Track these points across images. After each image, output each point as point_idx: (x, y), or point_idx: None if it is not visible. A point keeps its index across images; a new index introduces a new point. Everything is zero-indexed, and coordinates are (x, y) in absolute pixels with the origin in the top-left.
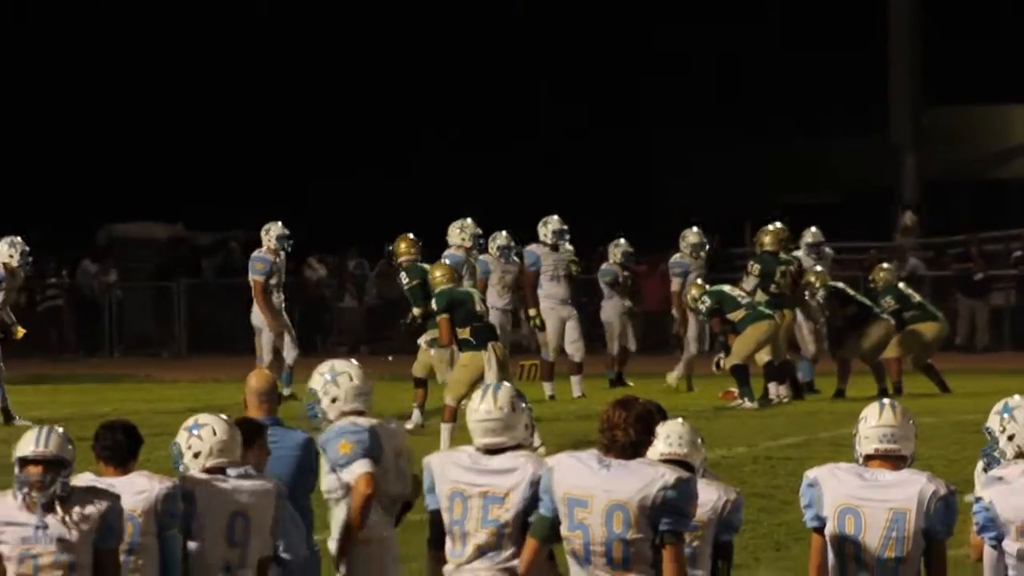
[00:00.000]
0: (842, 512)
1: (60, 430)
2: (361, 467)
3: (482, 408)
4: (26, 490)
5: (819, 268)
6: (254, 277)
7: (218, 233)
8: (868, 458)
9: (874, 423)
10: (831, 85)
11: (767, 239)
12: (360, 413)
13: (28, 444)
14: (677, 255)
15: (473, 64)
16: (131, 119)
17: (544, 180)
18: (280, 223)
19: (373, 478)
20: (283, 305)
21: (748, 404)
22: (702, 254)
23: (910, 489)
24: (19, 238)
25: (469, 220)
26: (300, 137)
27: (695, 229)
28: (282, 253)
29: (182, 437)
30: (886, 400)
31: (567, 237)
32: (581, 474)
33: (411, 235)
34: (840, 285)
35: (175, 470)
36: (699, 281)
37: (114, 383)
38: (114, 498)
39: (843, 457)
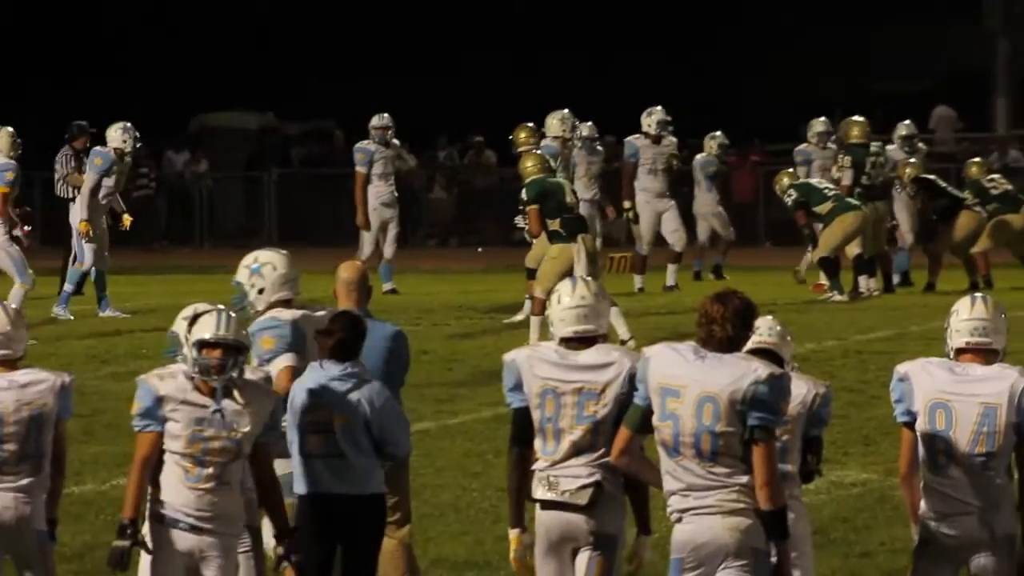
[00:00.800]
0: (933, 407)
1: (234, 315)
2: (283, 361)
3: (574, 296)
4: (203, 373)
5: (912, 160)
6: (356, 168)
7: (308, 123)
8: (959, 352)
9: (965, 316)
10: None
11: (855, 131)
12: (287, 302)
13: (208, 327)
14: (803, 145)
15: None
16: (219, 7)
17: (632, 73)
18: (385, 115)
19: (293, 371)
20: (392, 197)
21: (838, 297)
22: (829, 144)
23: (1001, 384)
24: (130, 124)
25: (566, 111)
26: (388, 27)
27: (822, 119)
28: (384, 144)
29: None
30: (978, 293)
31: (670, 129)
32: (676, 364)
33: (531, 124)
34: (931, 177)
35: (170, 358)
36: (790, 170)
37: (205, 274)
38: (276, 396)
39: (934, 351)
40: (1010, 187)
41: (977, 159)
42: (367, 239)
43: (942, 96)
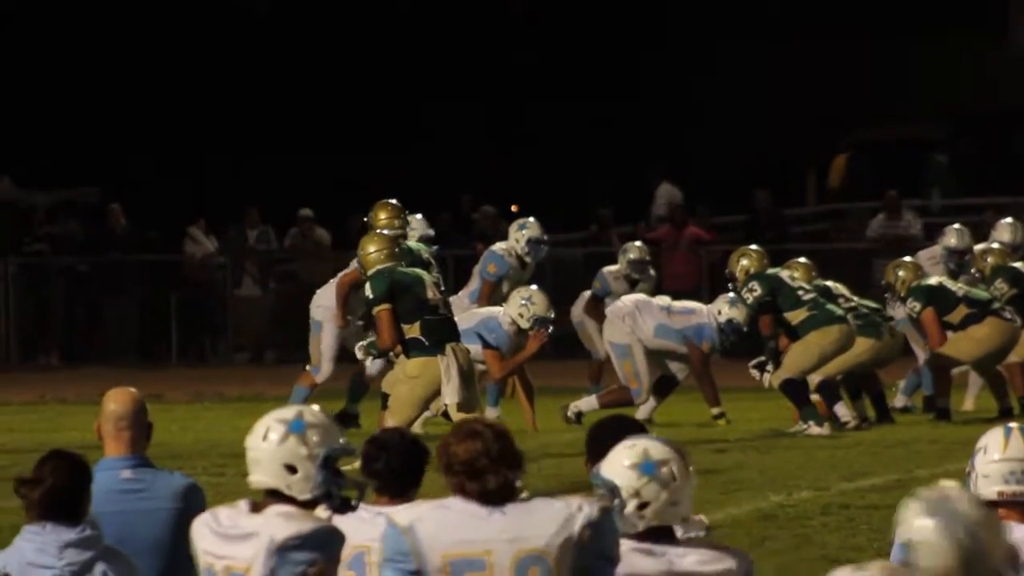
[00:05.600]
0: None
1: None
2: None
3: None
4: None
5: (907, 259)
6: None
7: (61, 191)
8: (990, 505)
9: (997, 456)
10: None
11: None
12: None
13: None
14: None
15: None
16: None
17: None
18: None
19: None
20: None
21: (816, 430)
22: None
23: None
24: None
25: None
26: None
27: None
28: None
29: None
30: (1012, 424)
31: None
32: (464, 524)
33: (393, 201)
34: (933, 282)
35: None
36: (752, 249)
37: None
38: None
39: None
40: None
41: (995, 244)
42: (328, 354)
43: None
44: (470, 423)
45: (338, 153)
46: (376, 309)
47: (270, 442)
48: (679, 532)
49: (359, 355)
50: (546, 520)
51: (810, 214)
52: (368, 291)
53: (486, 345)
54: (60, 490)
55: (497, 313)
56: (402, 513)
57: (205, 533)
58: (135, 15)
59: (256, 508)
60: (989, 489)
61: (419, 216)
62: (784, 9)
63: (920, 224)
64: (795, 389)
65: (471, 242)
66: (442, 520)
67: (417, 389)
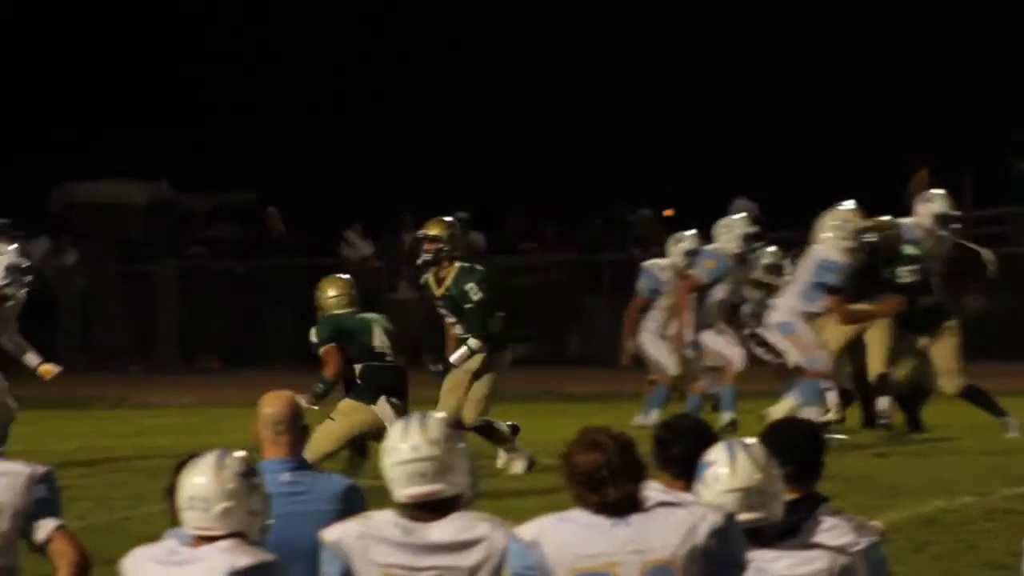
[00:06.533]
0: None
1: None
2: None
3: (405, 445)
4: None
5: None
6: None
7: (220, 195)
8: None
9: None
10: None
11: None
12: None
13: None
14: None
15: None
16: (90, 38)
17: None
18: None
19: None
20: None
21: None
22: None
23: None
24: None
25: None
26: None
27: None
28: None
29: None
30: None
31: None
32: (590, 536)
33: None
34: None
35: None
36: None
37: (77, 409)
38: None
39: None
40: None
41: None
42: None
43: None
44: (594, 433)
45: (492, 156)
46: (322, 349)
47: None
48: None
49: (303, 402)
50: (670, 529)
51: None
52: (313, 336)
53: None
54: None
55: None
56: (527, 528)
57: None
58: (298, 21)
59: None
60: None
61: None
62: None
63: None
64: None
65: (625, 246)
66: (566, 534)
67: (342, 426)
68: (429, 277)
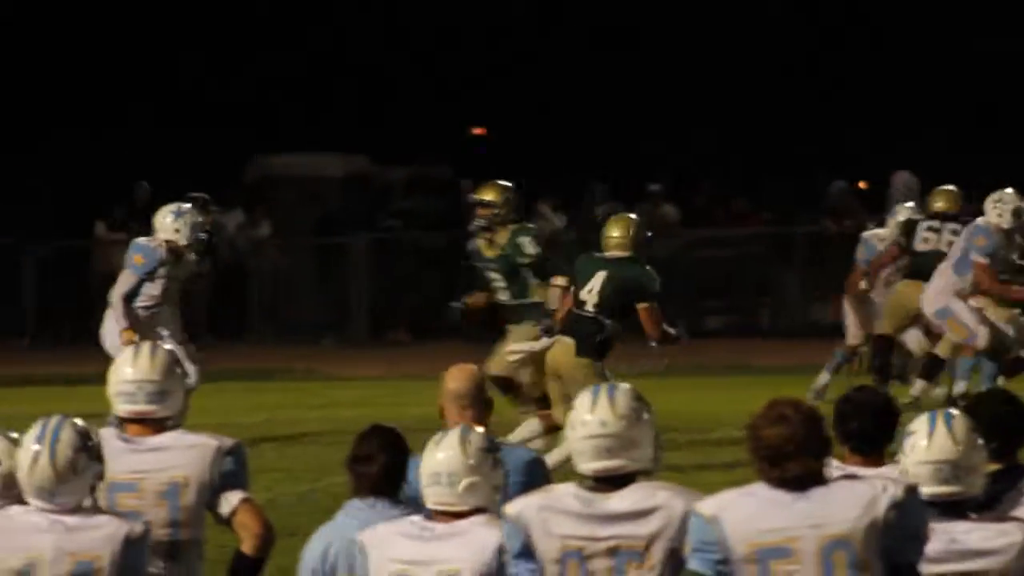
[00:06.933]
0: None
1: None
2: None
3: (592, 417)
4: None
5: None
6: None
7: (415, 167)
8: None
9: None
10: None
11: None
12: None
13: None
14: None
15: None
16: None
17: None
18: None
19: None
20: None
21: None
22: None
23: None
24: (188, 205)
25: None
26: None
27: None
28: None
29: None
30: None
31: None
32: (770, 511)
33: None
34: None
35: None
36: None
37: (262, 380)
38: None
39: None
40: None
41: None
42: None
43: None
44: (781, 406)
45: (683, 129)
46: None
47: None
48: None
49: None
50: (849, 503)
51: None
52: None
53: None
54: (392, 466)
55: None
56: (708, 503)
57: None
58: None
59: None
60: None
61: None
62: None
63: None
64: None
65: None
66: (747, 508)
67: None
68: (480, 242)
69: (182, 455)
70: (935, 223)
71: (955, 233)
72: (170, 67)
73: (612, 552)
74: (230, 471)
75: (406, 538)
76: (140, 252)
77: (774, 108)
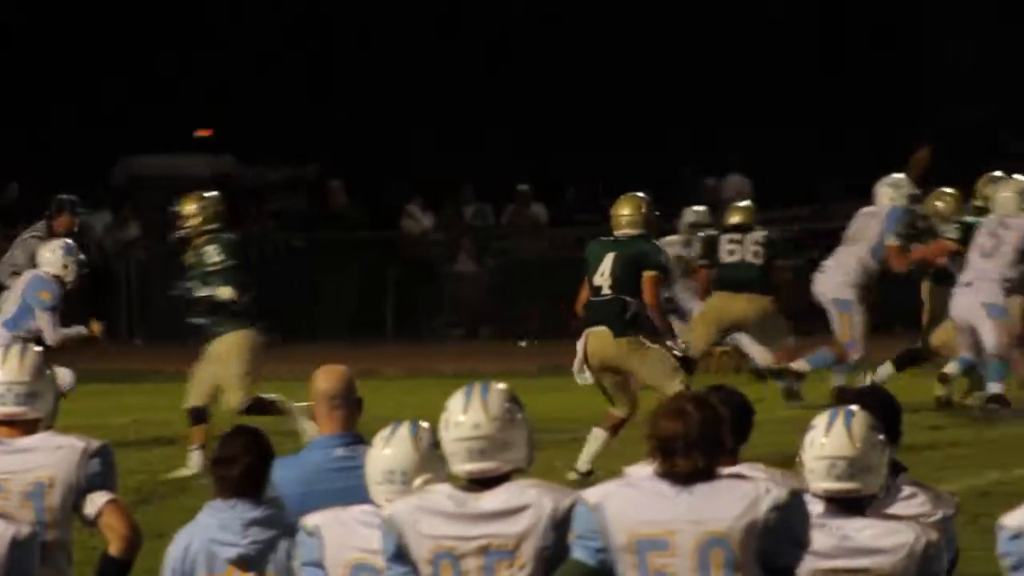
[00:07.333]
0: None
1: None
2: None
3: (466, 421)
4: None
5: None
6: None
7: (285, 168)
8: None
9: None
10: None
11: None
12: None
13: None
14: None
15: None
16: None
17: None
18: None
19: None
20: None
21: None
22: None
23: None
24: (72, 243)
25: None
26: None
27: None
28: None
29: None
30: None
31: None
32: (652, 503)
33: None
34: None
35: None
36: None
37: (135, 383)
38: None
39: None
40: None
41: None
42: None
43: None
44: (684, 401)
45: (557, 130)
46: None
47: None
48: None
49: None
50: (731, 502)
51: None
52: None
53: None
54: (254, 467)
55: None
56: (593, 491)
57: None
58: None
59: None
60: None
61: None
62: None
63: None
64: None
65: None
66: (630, 498)
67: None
68: (189, 253)
69: (48, 456)
70: (736, 235)
71: (758, 243)
72: (37, 69)
73: (483, 551)
74: (96, 473)
75: (367, 527)
76: (46, 288)
77: (642, 109)
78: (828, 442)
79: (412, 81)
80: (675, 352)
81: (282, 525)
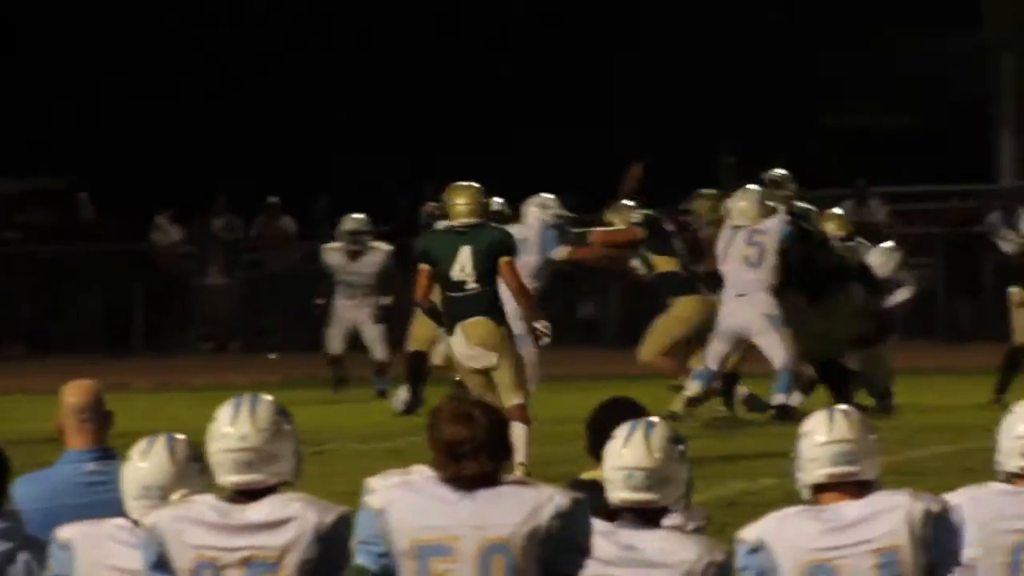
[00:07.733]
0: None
1: None
2: None
3: (233, 432)
4: None
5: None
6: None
7: (32, 180)
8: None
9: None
10: None
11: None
12: None
13: None
14: None
15: None
16: None
17: None
18: None
19: None
20: None
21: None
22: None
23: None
24: None
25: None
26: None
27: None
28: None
29: None
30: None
31: None
32: (433, 508)
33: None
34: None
35: None
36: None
37: None
38: None
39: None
40: None
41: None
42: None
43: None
44: (467, 405)
45: (309, 141)
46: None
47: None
48: (677, 520)
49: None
50: (513, 509)
51: None
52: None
53: None
54: None
55: None
56: (376, 496)
57: None
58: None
59: None
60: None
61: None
62: None
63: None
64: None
65: None
66: (412, 503)
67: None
68: None
69: None
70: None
71: None
72: None
73: (245, 563)
74: None
75: (119, 544)
76: None
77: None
78: (627, 452)
79: (163, 91)
80: (543, 334)
81: (19, 538)
